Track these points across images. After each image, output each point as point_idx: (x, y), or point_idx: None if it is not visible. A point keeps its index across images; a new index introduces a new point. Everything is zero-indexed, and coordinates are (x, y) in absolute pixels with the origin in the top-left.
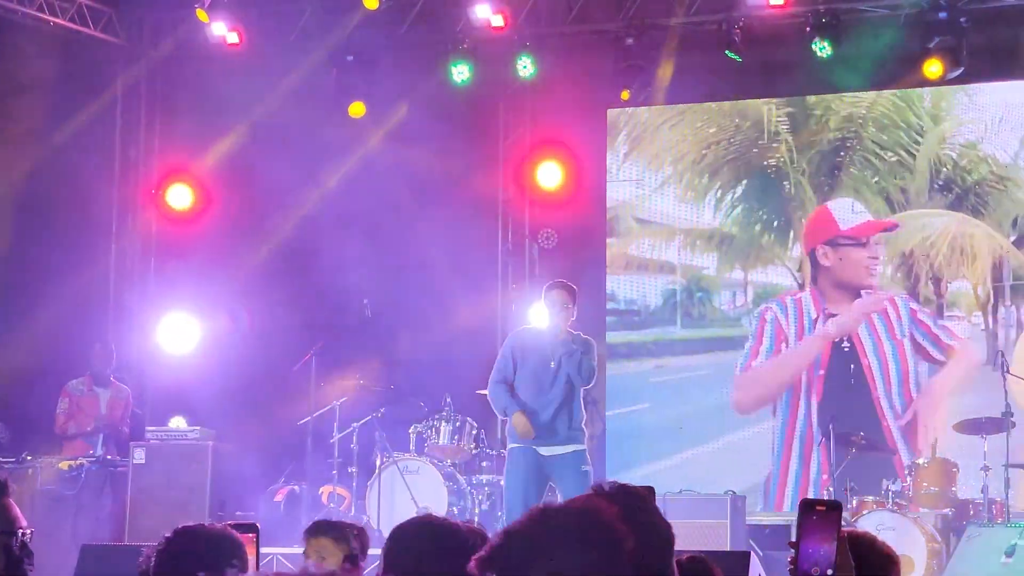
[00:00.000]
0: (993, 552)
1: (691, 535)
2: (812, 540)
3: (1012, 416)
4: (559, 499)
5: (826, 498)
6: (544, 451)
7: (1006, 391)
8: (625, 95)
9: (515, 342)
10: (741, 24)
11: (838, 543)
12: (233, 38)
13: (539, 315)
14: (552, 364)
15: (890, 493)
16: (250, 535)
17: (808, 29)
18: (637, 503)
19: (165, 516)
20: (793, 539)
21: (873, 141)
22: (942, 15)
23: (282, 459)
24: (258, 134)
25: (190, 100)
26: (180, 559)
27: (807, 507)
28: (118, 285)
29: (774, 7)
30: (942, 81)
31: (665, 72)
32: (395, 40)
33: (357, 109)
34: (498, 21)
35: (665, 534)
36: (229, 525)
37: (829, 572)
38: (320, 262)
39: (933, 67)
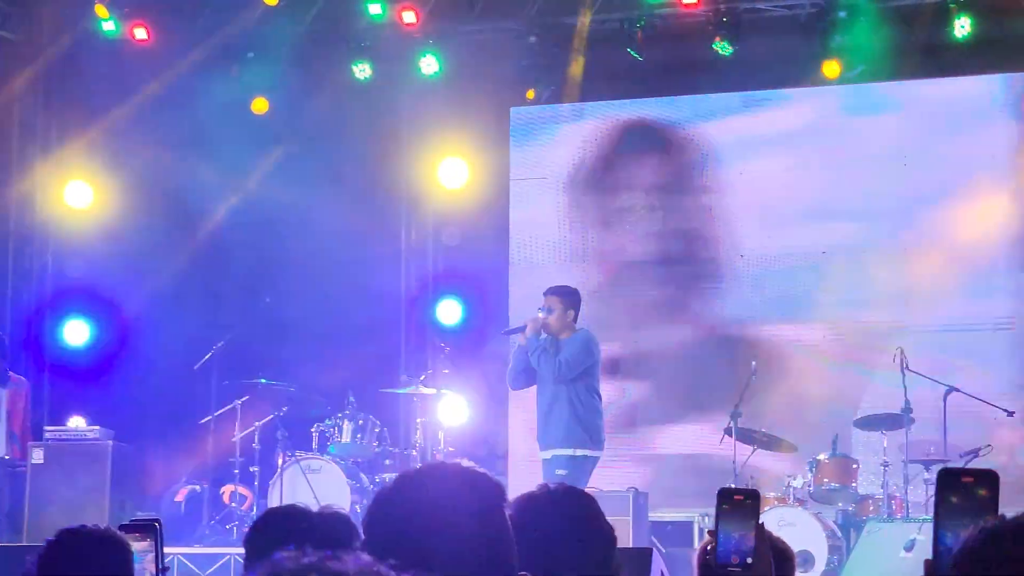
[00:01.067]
0: (893, 547)
1: None
2: (731, 529)
3: (911, 412)
4: None
5: (745, 488)
6: None
7: (905, 387)
8: (530, 95)
9: None
10: (643, 23)
11: (756, 532)
12: (135, 34)
13: (445, 312)
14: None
15: (791, 489)
16: (149, 534)
17: (710, 28)
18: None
19: (64, 516)
20: (711, 528)
21: None
22: (841, 14)
23: (183, 458)
24: (159, 131)
25: (90, 97)
26: (62, 561)
27: (725, 496)
28: (15, 284)
29: (676, 5)
30: (841, 81)
31: (569, 71)
32: (297, 36)
33: (260, 105)
34: (402, 18)
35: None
36: (129, 524)
37: (748, 561)
38: (222, 259)
39: (832, 67)
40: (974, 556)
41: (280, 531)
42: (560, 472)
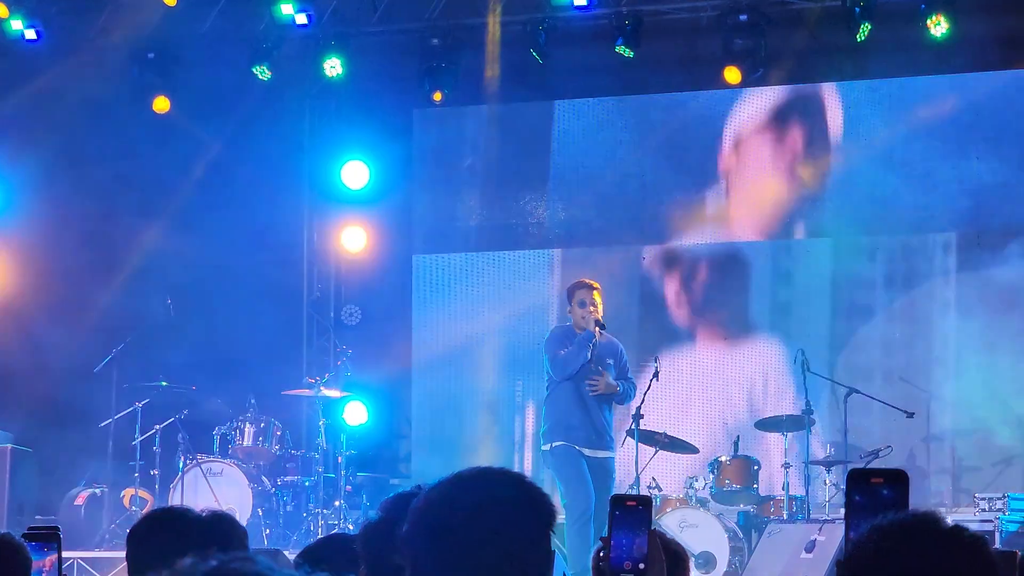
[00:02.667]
0: (793, 548)
1: None
2: (623, 535)
3: (812, 414)
4: None
5: (638, 494)
6: None
7: (806, 389)
8: (437, 96)
9: None
10: (545, 25)
11: (649, 537)
12: (31, 35)
13: (344, 316)
14: None
15: (693, 491)
16: (50, 542)
17: (613, 31)
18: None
19: None
20: (604, 534)
21: None
22: (742, 17)
23: (83, 462)
24: (59, 132)
25: None
26: None
27: (617, 502)
28: None
29: (578, 8)
30: (743, 84)
31: (472, 73)
32: (198, 37)
33: (161, 104)
34: (302, 19)
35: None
36: (29, 531)
37: (641, 567)
38: (122, 261)
39: (732, 73)
40: (863, 553)
41: (161, 533)
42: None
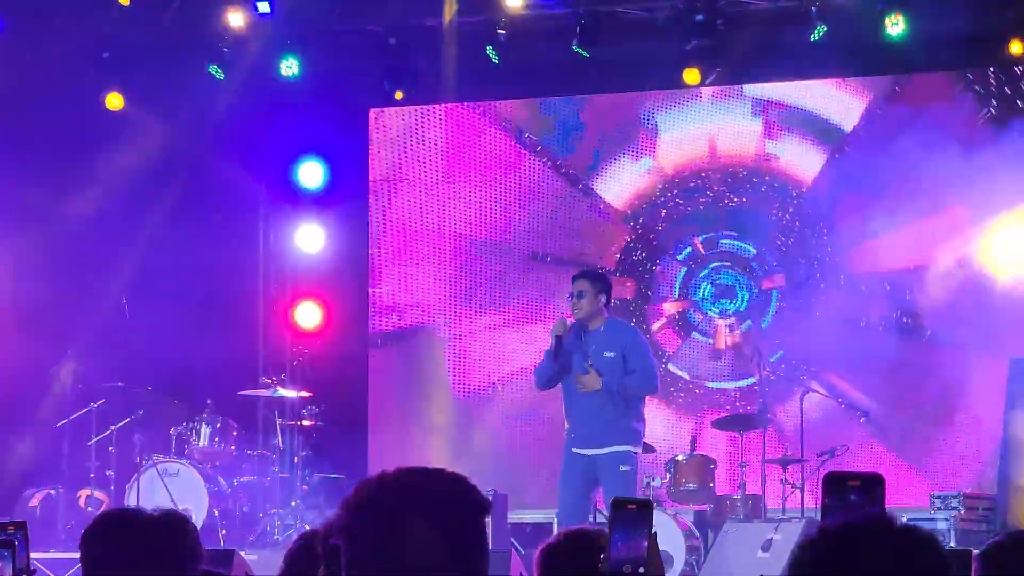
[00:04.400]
0: (750, 547)
1: None
2: (623, 537)
3: (768, 413)
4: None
5: (637, 497)
6: None
7: (763, 387)
8: (399, 95)
9: None
10: (503, 24)
11: (649, 541)
12: None
13: (300, 315)
14: None
15: (650, 489)
16: (19, 531)
17: (570, 30)
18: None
19: None
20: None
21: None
22: (699, 17)
23: (38, 463)
24: (13, 133)
25: None
26: None
27: (617, 505)
28: None
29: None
30: (701, 84)
31: (429, 72)
32: (154, 36)
33: (114, 102)
34: (258, 18)
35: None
36: None
37: (640, 570)
38: (79, 260)
39: (691, 75)
40: (814, 554)
41: (113, 535)
42: (624, 468)
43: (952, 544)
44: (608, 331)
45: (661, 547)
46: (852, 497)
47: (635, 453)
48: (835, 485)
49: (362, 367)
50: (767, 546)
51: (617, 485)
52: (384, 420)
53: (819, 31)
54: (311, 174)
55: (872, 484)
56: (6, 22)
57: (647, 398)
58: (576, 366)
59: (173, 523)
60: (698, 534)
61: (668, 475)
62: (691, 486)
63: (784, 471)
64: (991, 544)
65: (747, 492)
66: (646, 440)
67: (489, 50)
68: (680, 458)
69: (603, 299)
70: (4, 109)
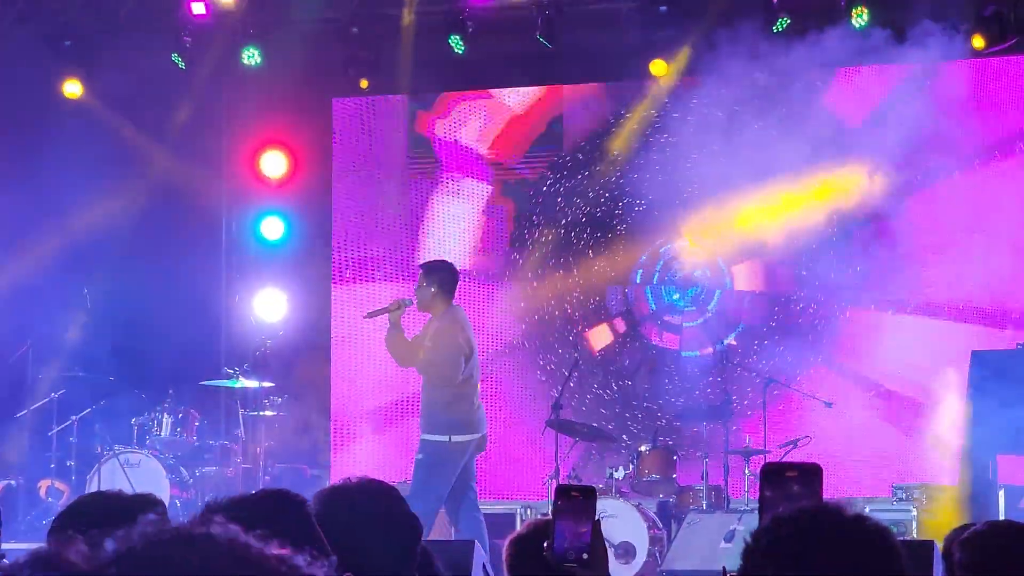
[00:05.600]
0: (713, 538)
1: None
2: (567, 525)
3: (731, 404)
4: None
5: (582, 485)
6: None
7: (725, 379)
8: (364, 84)
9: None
10: (467, 14)
11: (592, 527)
12: None
13: (263, 306)
14: None
15: (613, 480)
16: None
17: (533, 21)
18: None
19: None
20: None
21: None
22: (662, 8)
23: None
24: None
25: None
26: None
27: (562, 493)
28: None
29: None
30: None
31: (393, 62)
32: (115, 24)
33: (72, 89)
34: (220, 8)
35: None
36: None
37: (584, 556)
38: (39, 250)
39: (658, 66)
40: (764, 543)
41: (91, 518)
42: (418, 456)
43: (914, 535)
44: (438, 321)
45: (624, 538)
46: (793, 487)
47: (434, 442)
48: (774, 476)
49: (325, 357)
50: (730, 537)
51: (416, 474)
52: (346, 411)
53: (782, 23)
54: (274, 164)
55: (810, 474)
56: None
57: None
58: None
59: (148, 506)
60: (661, 525)
61: (631, 466)
62: (654, 477)
63: (747, 462)
64: (972, 533)
65: (710, 483)
66: (611, 431)
67: (453, 39)
68: (643, 449)
69: (434, 289)
70: None
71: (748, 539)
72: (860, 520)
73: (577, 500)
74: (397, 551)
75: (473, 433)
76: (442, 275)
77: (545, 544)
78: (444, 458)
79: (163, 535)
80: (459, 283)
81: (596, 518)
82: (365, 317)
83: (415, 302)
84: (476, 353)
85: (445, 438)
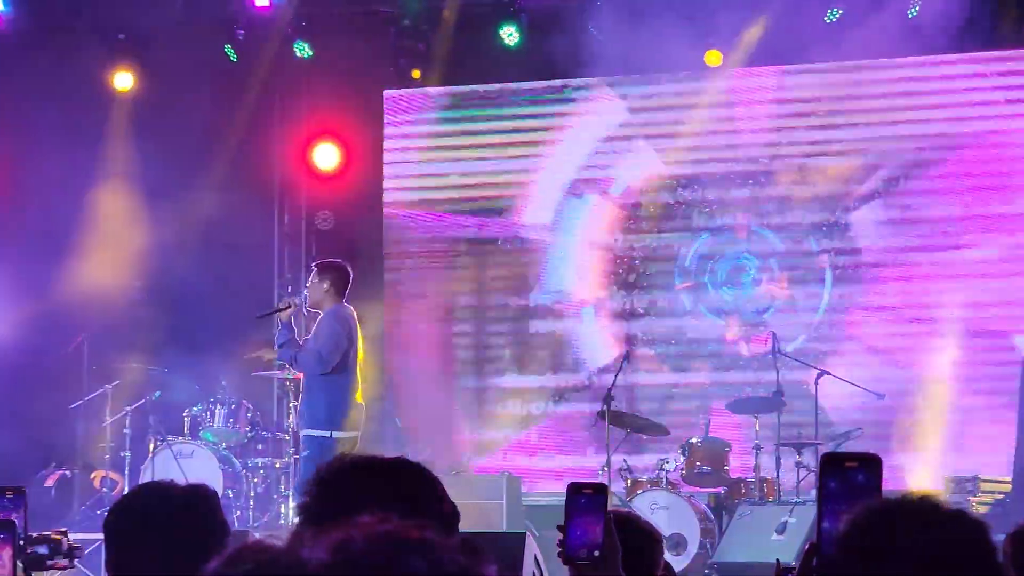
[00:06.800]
0: (764, 530)
1: (467, 515)
2: (580, 523)
3: (783, 396)
4: None
5: (593, 481)
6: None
7: (777, 370)
8: (416, 74)
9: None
10: (519, 4)
11: (604, 525)
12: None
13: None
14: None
15: (664, 472)
16: (20, 497)
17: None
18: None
19: None
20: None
21: None
22: None
23: (53, 444)
24: (24, 116)
25: None
26: None
27: (574, 490)
28: None
29: None
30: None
31: (442, 53)
32: (168, 19)
33: (123, 82)
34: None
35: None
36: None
37: (596, 553)
38: (93, 242)
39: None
40: (859, 533)
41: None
42: (304, 453)
43: None
44: (328, 313)
45: (675, 530)
46: (854, 478)
47: (317, 437)
48: (833, 466)
49: (378, 351)
50: (782, 529)
51: (304, 470)
52: (398, 403)
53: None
54: (326, 157)
55: (870, 464)
56: (23, 4)
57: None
58: None
59: (201, 497)
60: (712, 517)
61: (682, 458)
62: (705, 469)
63: (799, 454)
64: (1020, 527)
65: (761, 475)
66: (662, 423)
67: (504, 31)
68: (694, 441)
69: (326, 287)
70: (20, 94)
71: (844, 529)
72: (960, 514)
73: (589, 497)
74: None
75: (354, 431)
76: (335, 274)
77: (557, 542)
78: (328, 453)
79: (386, 537)
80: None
81: (608, 515)
82: (256, 318)
83: (307, 299)
84: (356, 351)
85: (327, 433)
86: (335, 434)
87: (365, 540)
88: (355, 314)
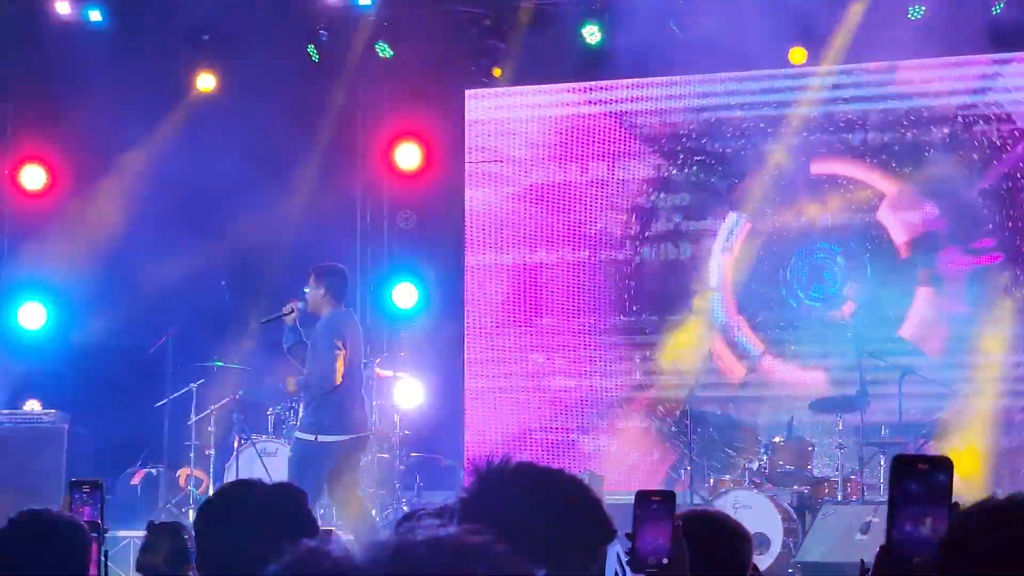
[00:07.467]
0: (848, 530)
1: None
2: (648, 531)
3: (867, 395)
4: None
5: (661, 489)
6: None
7: (860, 369)
8: (497, 72)
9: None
10: (602, 2)
11: (673, 532)
12: (92, 17)
13: (401, 296)
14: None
15: (747, 472)
16: (96, 490)
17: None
18: None
19: (19, 500)
20: (630, 530)
21: None
22: None
23: (139, 442)
24: (114, 115)
25: (46, 80)
26: (22, 543)
27: (642, 498)
28: None
29: None
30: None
31: (523, 52)
32: (252, 20)
33: (207, 83)
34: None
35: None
36: (77, 480)
37: (664, 561)
38: (178, 243)
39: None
40: (971, 530)
41: (233, 507)
42: (290, 454)
43: None
44: (320, 323)
45: (758, 529)
46: (923, 479)
47: (302, 440)
48: (904, 468)
49: (459, 347)
50: (866, 528)
51: (289, 470)
52: (480, 401)
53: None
54: (408, 156)
55: (940, 467)
56: (114, 6)
57: None
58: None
59: (289, 494)
60: (796, 517)
61: (766, 457)
62: (789, 468)
63: (882, 453)
64: None
65: (845, 474)
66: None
67: (586, 30)
68: (778, 440)
69: (323, 291)
70: (110, 95)
71: (951, 533)
72: None
73: (658, 504)
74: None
75: (343, 434)
76: (332, 279)
77: (628, 550)
78: (310, 456)
79: (447, 543)
80: (348, 287)
81: (676, 522)
82: (261, 324)
83: (306, 303)
84: (355, 356)
85: (311, 437)
86: (320, 438)
87: (426, 546)
88: (352, 316)
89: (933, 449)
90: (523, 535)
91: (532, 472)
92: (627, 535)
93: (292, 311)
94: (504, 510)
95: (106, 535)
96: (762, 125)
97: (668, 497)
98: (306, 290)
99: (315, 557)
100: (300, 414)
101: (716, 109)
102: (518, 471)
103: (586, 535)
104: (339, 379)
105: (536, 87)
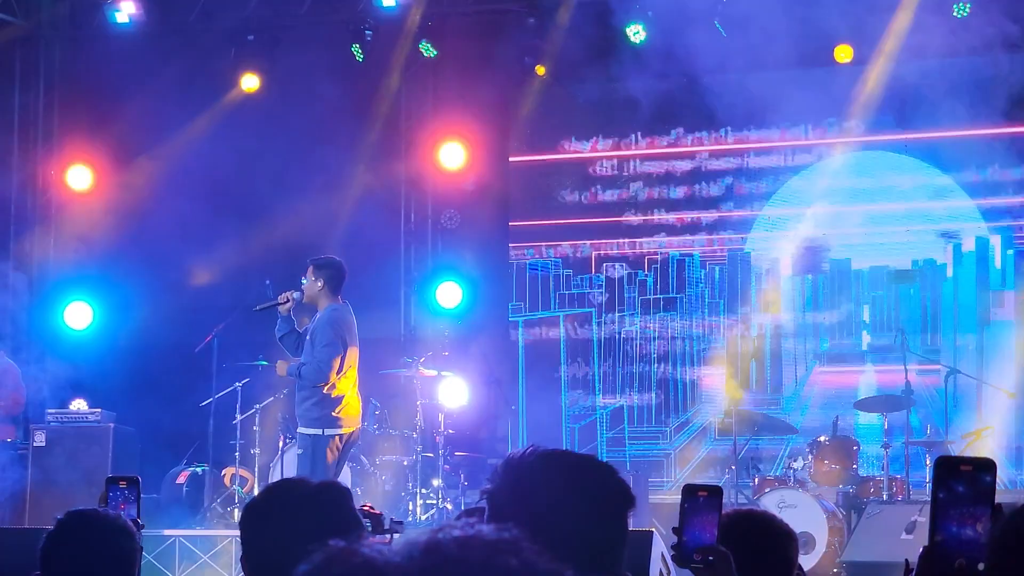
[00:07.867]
0: (894, 529)
1: None
2: (695, 524)
3: (912, 394)
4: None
5: (708, 483)
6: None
7: (906, 369)
8: (541, 70)
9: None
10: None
11: (718, 526)
12: (134, 17)
13: (445, 295)
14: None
15: (792, 471)
16: (133, 485)
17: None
18: None
19: (65, 499)
20: (676, 525)
21: None
22: None
23: (184, 441)
24: (158, 114)
25: (90, 80)
26: (69, 543)
27: (689, 492)
28: (17, 266)
29: None
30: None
31: (565, 51)
32: (296, 19)
33: (251, 83)
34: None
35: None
36: (113, 476)
37: (710, 558)
38: (222, 243)
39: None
40: (1008, 538)
41: (279, 504)
42: (298, 451)
43: None
44: (318, 317)
45: (803, 528)
46: (966, 481)
47: (310, 435)
48: (946, 470)
49: (507, 345)
50: (911, 528)
51: (300, 466)
52: (527, 399)
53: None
54: (451, 155)
55: (984, 469)
56: (153, 6)
57: None
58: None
59: (334, 491)
60: (841, 516)
61: (811, 456)
62: (834, 467)
63: (928, 453)
64: None
65: (890, 474)
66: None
67: (630, 29)
68: (823, 439)
69: (321, 284)
70: (155, 94)
71: (999, 535)
72: None
73: (705, 499)
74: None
75: (346, 427)
76: (330, 271)
77: (672, 545)
78: (320, 450)
79: (477, 538)
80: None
81: (722, 517)
82: (255, 311)
83: (303, 294)
84: (352, 349)
85: (319, 431)
86: (327, 431)
87: (456, 543)
88: (350, 311)
89: (975, 450)
90: (549, 521)
91: (556, 457)
92: (673, 529)
93: (287, 300)
94: (529, 497)
95: (142, 531)
96: None
97: (715, 491)
98: (303, 281)
99: (345, 556)
100: (298, 409)
101: None
102: (544, 457)
103: (610, 508)
104: (333, 377)
105: (579, 86)
